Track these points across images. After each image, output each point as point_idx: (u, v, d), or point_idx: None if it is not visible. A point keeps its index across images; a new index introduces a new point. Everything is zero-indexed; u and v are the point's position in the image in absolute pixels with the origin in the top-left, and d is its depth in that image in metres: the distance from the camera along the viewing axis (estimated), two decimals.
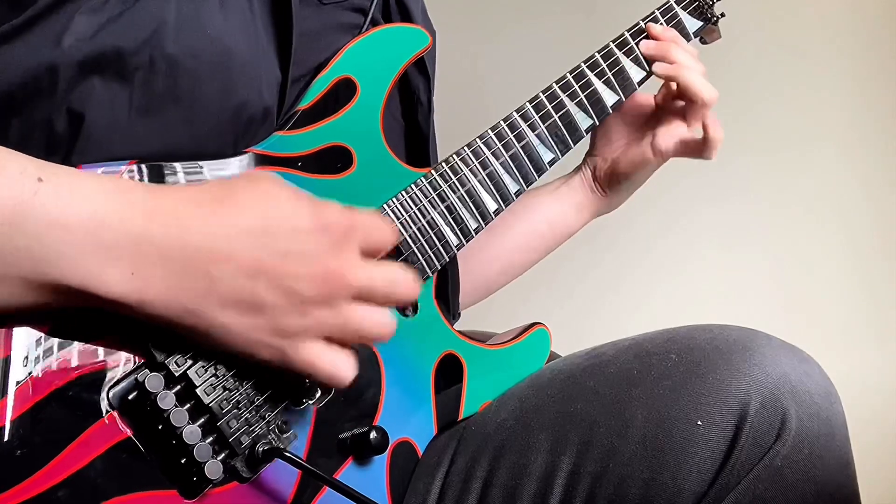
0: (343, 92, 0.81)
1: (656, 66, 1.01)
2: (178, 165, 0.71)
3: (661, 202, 1.90)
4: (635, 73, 1.02)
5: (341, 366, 0.65)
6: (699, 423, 0.73)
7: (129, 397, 0.63)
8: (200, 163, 0.72)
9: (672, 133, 1.05)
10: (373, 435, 0.74)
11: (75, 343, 0.63)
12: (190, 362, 0.65)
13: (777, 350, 0.77)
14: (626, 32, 1.03)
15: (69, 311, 0.61)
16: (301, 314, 0.62)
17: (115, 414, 0.63)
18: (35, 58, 0.67)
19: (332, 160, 0.79)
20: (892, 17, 1.97)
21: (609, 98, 0.98)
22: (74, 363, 0.62)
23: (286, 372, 0.65)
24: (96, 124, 0.68)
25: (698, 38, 1.14)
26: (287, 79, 0.78)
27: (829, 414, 0.74)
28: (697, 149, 1.04)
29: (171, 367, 0.65)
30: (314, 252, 0.62)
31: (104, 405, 0.63)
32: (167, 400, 0.64)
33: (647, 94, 1.06)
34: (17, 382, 0.60)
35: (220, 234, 0.61)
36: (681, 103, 1.04)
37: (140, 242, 0.59)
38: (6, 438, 0.59)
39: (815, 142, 1.98)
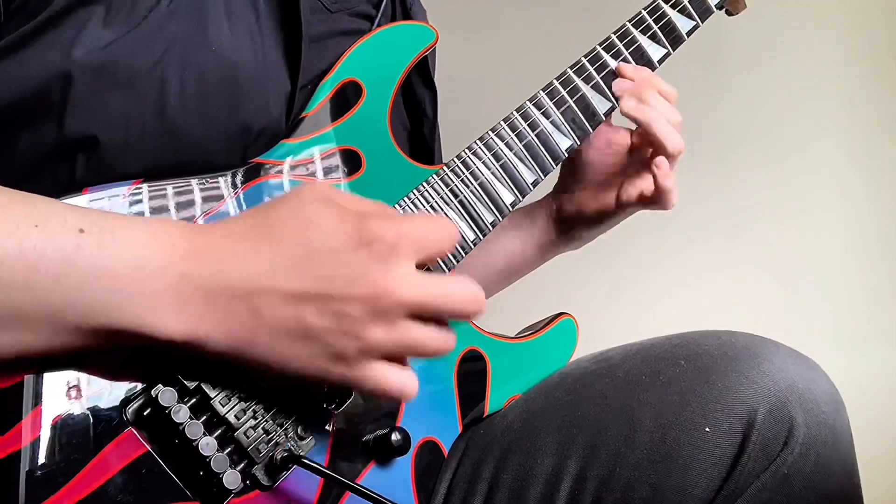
0: (348, 95, 0.81)
1: (624, 104, 0.93)
2: (193, 182, 0.71)
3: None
4: (654, 52, 0.99)
5: (404, 383, 0.63)
6: (707, 429, 0.74)
7: (145, 413, 0.64)
8: (206, 177, 0.72)
9: (637, 185, 0.97)
10: (394, 436, 0.73)
11: None
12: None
13: (785, 358, 0.76)
14: (643, 10, 1.01)
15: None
16: (355, 337, 0.60)
17: (133, 430, 0.64)
18: (44, 69, 0.68)
19: (341, 163, 0.79)
20: (894, 14, 1.92)
21: None
22: (90, 382, 0.64)
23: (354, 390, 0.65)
24: (105, 141, 0.69)
25: (723, 9, 1.11)
26: (296, 88, 0.78)
27: (835, 422, 0.74)
28: (654, 200, 0.96)
29: (184, 381, 0.65)
30: (359, 272, 0.60)
31: (123, 421, 0.64)
32: (181, 413, 0.64)
33: (625, 131, 0.99)
34: (34, 404, 0.61)
35: (261, 269, 0.60)
36: (649, 151, 0.96)
37: (181, 284, 0.59)
38: (26, 461, 0.60)
39: (816, 144, 1.94)
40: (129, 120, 0.70)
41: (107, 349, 0.61)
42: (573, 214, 1.01)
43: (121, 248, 0.59)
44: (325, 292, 0.60)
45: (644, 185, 0.96)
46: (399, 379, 0.63)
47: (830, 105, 1.94)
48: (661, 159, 0.93)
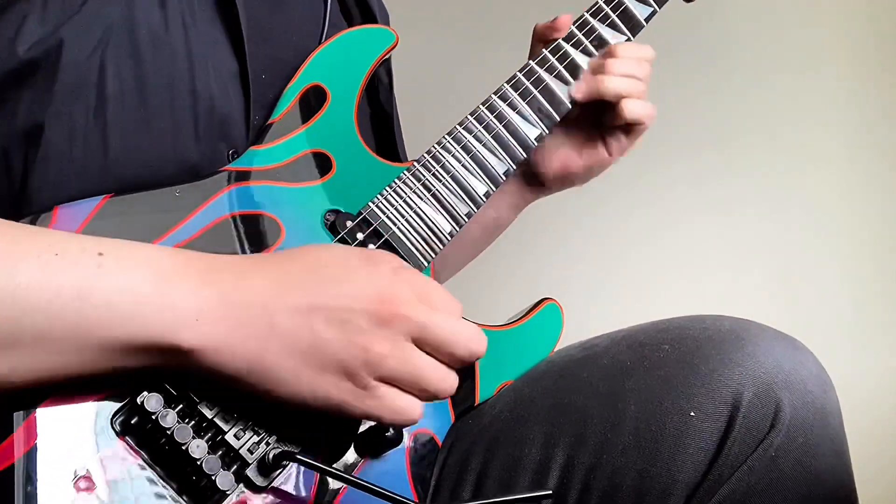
0: (313, 100, 0.82)
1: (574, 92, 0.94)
2: (161, 193, 0.72)
3: (656, 194, 1.88)
4: (613, 39, 1.00)
5: (412, 406, 0.65)
6: (692, 413, 0.73)
7: (132, 421, 0.64)
8: (177, 190, 0.73)
9: (620, 133, 0.99)
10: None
11: None
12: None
13: (770, 339, 0.76)
14: (599, 1, 1.02)
15: None
16: (361, 348, 0.63)
17: (123, 440, 0.64)
18: None
19: (311, 167, 0.80)
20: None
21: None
22: (78, 396, 0.64)
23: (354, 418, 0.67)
24: (55, 131, 0.70)
25: None
26: (245, 67, 0.78)
27: (823, 402, 0.74)
28: (637, 133, 0.99)
29: (170, 387, 0.65)
30: (367, 285, 0.64)
31: (113, 432, 0.64)
32: (169, 418, 0.64)
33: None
34: (23, 417, 0.61)
35: (275, 278, 0.64)
36: None
37: (201, 292, 0.61)
38: (17, 474, 0.60)
39: (816, 136, 1.95)
40: (75, 108, 0.71)
41: (126, 368, 0.62)
42: (557, 172, 1.01)
43: (141, 262, 0.61)
44: (334, 301, 0.63)
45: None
46: (406, 402, 0.65)
47: (832, 98, 1.95)
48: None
